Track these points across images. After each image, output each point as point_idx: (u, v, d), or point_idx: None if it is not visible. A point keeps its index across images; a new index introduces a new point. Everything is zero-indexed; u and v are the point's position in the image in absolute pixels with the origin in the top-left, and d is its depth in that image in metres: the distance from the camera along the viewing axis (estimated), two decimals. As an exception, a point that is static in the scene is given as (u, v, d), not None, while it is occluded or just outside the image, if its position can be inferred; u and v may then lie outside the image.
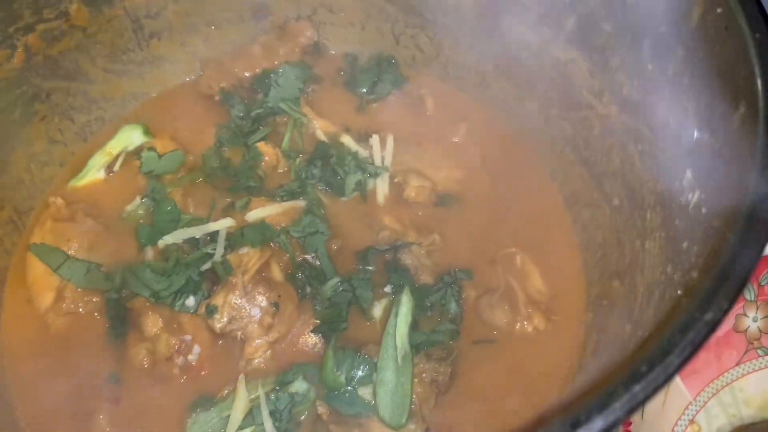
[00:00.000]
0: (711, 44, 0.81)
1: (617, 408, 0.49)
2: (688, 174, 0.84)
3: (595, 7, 1.06)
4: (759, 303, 1.18)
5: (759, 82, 0.70)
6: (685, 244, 0.78)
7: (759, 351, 1.17)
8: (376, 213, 1.25)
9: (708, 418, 1.12)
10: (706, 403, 1.13)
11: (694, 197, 0.80)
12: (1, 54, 1.13)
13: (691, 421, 1.10)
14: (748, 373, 1.16)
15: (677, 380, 1.12)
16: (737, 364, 1.17)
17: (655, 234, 0.94)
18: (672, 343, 0.52)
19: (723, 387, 1.15)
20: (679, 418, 1.09)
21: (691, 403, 1.08)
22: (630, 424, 1.04)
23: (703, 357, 1.15)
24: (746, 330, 1.18)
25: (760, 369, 1.17)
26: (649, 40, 0.96)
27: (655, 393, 0.50)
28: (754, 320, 1.18)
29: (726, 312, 0.54)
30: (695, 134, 0.84)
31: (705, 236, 0.71)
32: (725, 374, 1.15)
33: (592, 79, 1.12)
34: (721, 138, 0.76)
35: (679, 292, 0.66)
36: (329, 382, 1.05)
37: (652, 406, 1.10)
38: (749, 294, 1.18)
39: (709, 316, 0.53)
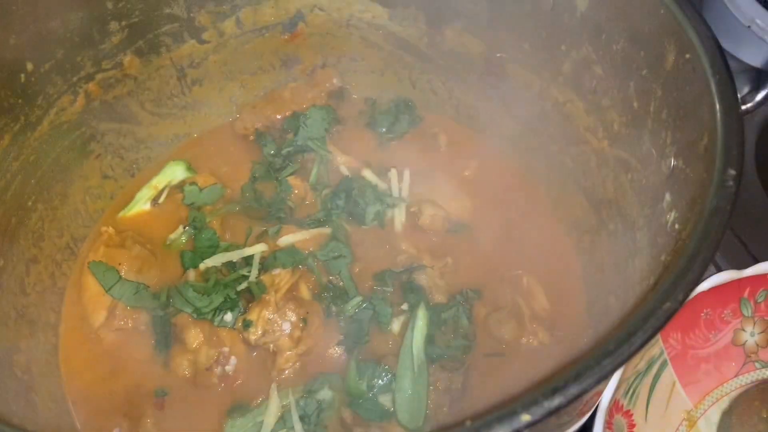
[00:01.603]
0: (682, 84, 0.94)
1: (589, 377, 0.60)
2: (667, 197, 0.95)
3: (587, 54, 1.18)
4: (756, 319, 1.26)
5: (718, 116, 0.83)
6: (663, 257, 0.89)
7: (756, 364, 1.25)
8: (393, 239, 1.36)
9: (708, 424, 1.20)
10: (706, 410, 1.21)
11: (671, 217, 0.92)
12: (65, 99, 1.28)
13: (693, 426, 1.17)
14: (747, 384, 1.24)
15: (679, 388, 1.20)
16: (736, 376, 1.25)
17: (643, 252, 1.05)
18: (636, 327, 0.64)
19: (722, 396, 1.23)
20: (681, 423, 1.17)
21: (692, 409, 1.16)
22: (634, 426, 1.13)
23: (703, 368, 1.23)
24: (744, 344, 1.26)
25: (758, 381, 1.25)
26: (634, 81, 1.08)
27: (620, 366, 0.62)
28: (752, 335, 1.26)
29: (681, 302, 0.65)
30: (672, 162, 0.96)
31: (676, 248, 0.82)
32: (724, 385, 1.23)
33: (587, 117, 1.24)
34: (690, 164, 0.88)
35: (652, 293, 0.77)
36: (352, 390, 1.16)
37: (655, 411, 1.18)
38: (746, 310, 1.26)
39: (666, 306, 0.65)
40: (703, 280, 1.20)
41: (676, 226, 0.87)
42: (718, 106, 0.84)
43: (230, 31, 1.44)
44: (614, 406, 1.08)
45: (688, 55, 0.92)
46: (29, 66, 1.19)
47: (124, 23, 1.31)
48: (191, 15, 1.39)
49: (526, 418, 0.58)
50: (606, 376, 0.61)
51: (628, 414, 1.11)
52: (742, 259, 1.44)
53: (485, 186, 1.45)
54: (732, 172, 0.74)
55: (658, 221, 0.99)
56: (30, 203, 1.25)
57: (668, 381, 1.16)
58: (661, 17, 0.98)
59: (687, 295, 0.65)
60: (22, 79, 1.18)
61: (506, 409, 0.59)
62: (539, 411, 0.59)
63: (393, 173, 1.43)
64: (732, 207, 0.72)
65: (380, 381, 1.16)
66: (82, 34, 1.26)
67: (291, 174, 1.43)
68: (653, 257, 0.99)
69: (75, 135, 1.33)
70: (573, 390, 0.60)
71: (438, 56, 1.48)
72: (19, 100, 1.19)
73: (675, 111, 0.97)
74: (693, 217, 0.78)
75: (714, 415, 1.17)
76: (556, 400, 0.59)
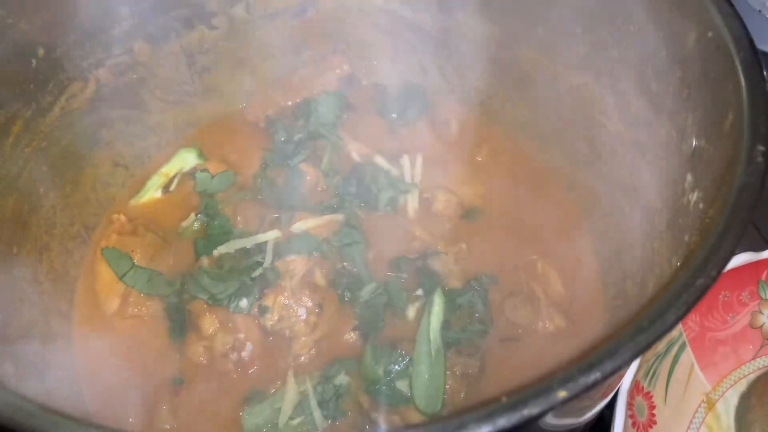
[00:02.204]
0: (704, 63, 0.93)
1: (624, 353, 0.60)
2: (689, 177, 0.95)
3: (603, 36, 1.18)
4: None
5: (744, 93, 0.82)
6: (686, 237, 0.88)
7: None
8: (407, 225, 1.36)
9: (726, 406, 1.19)
10: (724, 393, 1.20)
11: (694, 196, 0.91)
12: (76, 86, 1.27)
13: (711, 408, 1.17)
14: (764, 366, 1.24)
15: (697, 370, 1.20)
16: (753, 359, 1.24)
17: (662, 234, 1.04)
18: (669, 303, 0.63)
19: (740, 379, 1.22)
20: (699, 405, 1.17)
21: (710, 392, 1.16)
22: (654, 407, 1.12)
23: (720, 350, 1.22)
24: (762, 326, 1.25)
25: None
26: (652, 63, 1.07)
27: (655, 342, 0.61)
28: None
29: (714, 278, 0.64)
30: (694, 142, 0.95)
31: (702, 226, 0.81)
32: (742, 367, 1.23)
33: (603, 101, 1.23)
34: (714, 143, 0.88)
35: (679, 273, 0.77)
36: (368, 375, 1.15)
37: (675, 393, 1.18)
38: (764, 293, 1.25)
39: (700, 282, 0.64)
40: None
41: (701, 205, 0.86)
42: (744, 84, 0.83)
43: (240, 16, 1.43)
44: (635, 387, 1.08)
45: (710, 34, 0.91)
46: (41, 51, 1.17)
47: (134, 8, 1.30)
48: (201, 0, 1.37)
49: (562, 394, 0.57)
50: (641, 352, 0.60)
51: (648, 396, 1.10)
52: (757, 244, 1.44)
53: (498, 171, 1.44)
54: (761, 148, 0.73)
55: (679, 202, 0.98)
56: (42, 190, 1.24)
57: (687, 363, 1.16)
58: (681, -4, 0.97)
59: (720, 271, 0.65)
60: (34, 65, 1.17)
61: (542, 385, 0.59)
62: (575, 387, 0.58)
63: (405, 159, 1.43)
64: (762, 182, 0.71)
65: (397, 366, 1.15)
66: (93, 20, 1.25)
67: (303, 161, 1.42)
68: (674, 238, 0.98)
69: (86, 122, 1.32)
70: (609, 366, 0.59)
71: (450, 41, 1.47)
72: (31, 86, 1.18)
73: (696, 91, 0.96)
74: (720, 195, 0.77)
75: (732, 397, 1.16)
76: (593, 376, 0.59)
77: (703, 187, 0.88)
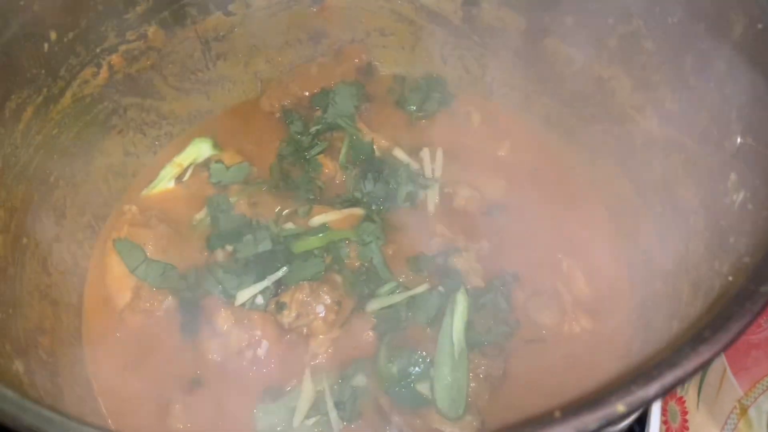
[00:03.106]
0: (752, 56, 0.88)
1: (686, 365, 0.56)
2: (733, 176, 0.90)
3: (637, 27, 1.13)
4: None
5: (800, 88, 0.78)
6: (732, 239, 0.84)
7: None
8: (427, 221, 1.32)
9: (759, 413, 1.15)
10: (757, 398, 1.15)
11: (739, 197, 0.87)
12: (88, 72, 1.23)
13: (744, 415, 1.13)
14: None
15: (730, 375, 1.16)
16: None
17: (699, 236, 1.00)
18: (731, 312, 0.59)
19: None
20: (732, 411, 1.13)
21: (742, 397, 1.12)
22: (687, 413, 1.08)
23: (753, 354, 1.18)
24: None
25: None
26: (691, 56, 1.03)
27: (720, 353, 0.57)
28: None
29: (780, 285, 0.60)
30: (738, 139, 0.91)
31: (754, 228, 0.77)
32: None
33: (634, 95, 1.19)
34: (763, 140, 0.83)
35: (730, 278, 0.72)
36: (383, 374, 1.11)
37: (707, 398, 1.14)
38: None
39: (764, 288, 0.60)
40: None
41: (749, 206, 0.82)
42: (798, 78, 0.78)
43: (258, 3, 1.39)
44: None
45: (760, 25, 0.87)
46: (53, 35, 1.13)
47: (149, -8, 1.26)
48: (218, -15, 1.33)
49: (621, 409, 0.53)
50: (705, 364, 0.56)
51: (681, 401, 1.07)
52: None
53: (521, 166, 1.40)
54: (823, 146, 0.69)
55: (720, 202, 0.94)
56: (52, 179, 1.20)
57: (719, 367, 1.12)
58: (726, -14, 0.93)
59: (785, 278, 0.61)
60: (46, 49, 1.13)
61: (598, 398, 0.54)
62: (634, 401, 0.54)
63: (425, 152, 1.38)
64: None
65: (417, 368, 1.11)
66: (106, 3, 1.20)
67: (320, 153, 1.38)
68: (716, 240, 0.94)
69: (97, 109, 1.28)
70: (669, 379, 0.55)
71: (472, 31, 1.43)
72: (42, 71, 1.13)
73: (742, 85, 0.91)
74: (775, 195, 0.73)
75: (765, 403, 1.12)
76: (653, 390, 0.55)
77: (751, 186, 0.84)
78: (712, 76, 0.98)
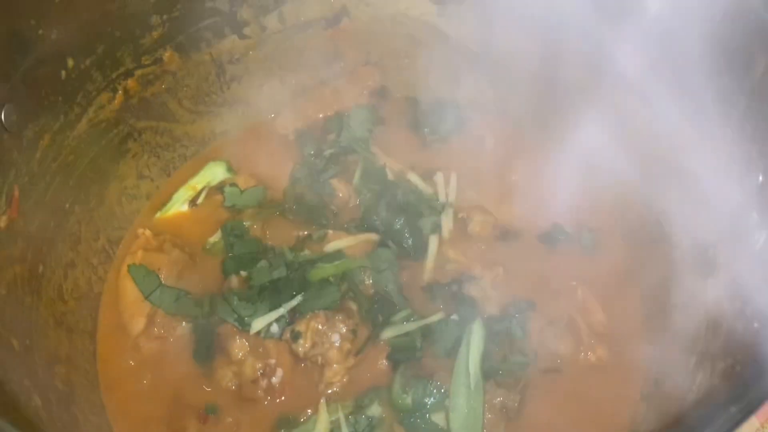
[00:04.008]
0: (773, 96, 0.88)
1: (720, 426, 0.55)
2: (755, 215, 0.90)
3: (657, 57, 1.13)
4: None
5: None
6: (755, 278, 0.84)
7: None
8: (441, 247, 1.31)
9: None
10: None
11: (762, 237, 0.86)
12: (104, 97, 1.23)
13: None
14: None
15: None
16: None
17: (720, 271, 0.99)
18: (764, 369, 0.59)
19: None
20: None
21: (759, 428, 1.11)
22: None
23: None
24: None
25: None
26: (712, 90, 1.02)
27: (757, 410, 0.57)
28: None
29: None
30: (760, 178, 0.90)
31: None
32: None
33: (652, 125, 1.19)
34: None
35: (755, 324, 0.72)
36: (397, 404, 1.11)
37: None
38: None
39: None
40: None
41: None
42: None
43: (272, 26, 1.39)
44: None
45: (783, 66, 0.86)
46: (70, 62, 1.14)
47: (165, 17, 1.26)
48: (233, 9, 1.34)
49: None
50: (738, 424, 0.56)
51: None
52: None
53: (535, 191, 1.39)
54: None
55: (742, 241, 0.94)
56: (67, 205, 1.20)
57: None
58: (749, 23, 0.92)
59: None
60: (63, 76, 1.14)
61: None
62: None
63: (439, 176, 1.38)
64: None
65: (432, 398, 1.11)
66: (123, 29, 1.21)
67: (333, 176, 1.38)
68: (735, 277, 0.93)
69: (112, 133, 1.29)
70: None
71: (487, 55, 1.43)
72: (60, 98, 1.14)
73: (764, 123, 0.91)
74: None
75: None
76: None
77: (772, 227, 0.84)
78: (733, 111, 0.98)
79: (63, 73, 1.13)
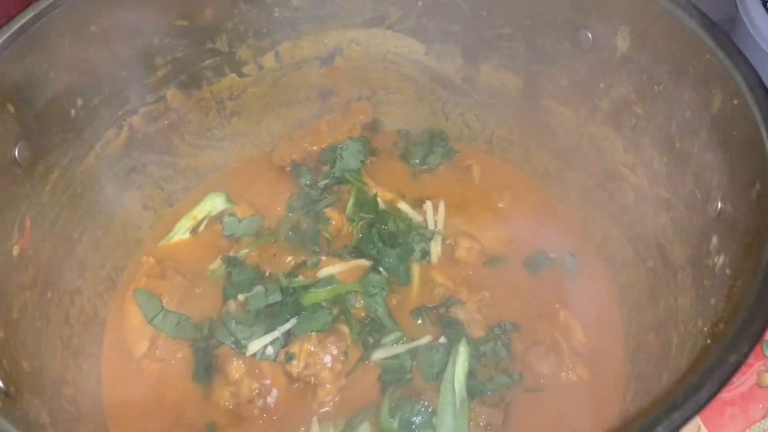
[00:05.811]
0: (729, 129, 0.95)
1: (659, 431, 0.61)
2: (714, 240, 0.96)
3: (627, 93, 1.20)
4: None
5: (772, 167, 0.84)
6: (713, 301, 0.90)
7: None
8: (430, 272, 1.38)
9: (738, 468, 1.18)
10: None
11: (719, 260, 0.92)
12: (111, 133, 1.31)
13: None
14: None
15: (704, 432, 1.20)
16: (763, 418, 1.23)
17: (687, 292, 1.05)
18: (703, 380, 0.65)
19: None
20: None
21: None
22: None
23: (728, 411, 1.22)
24: None
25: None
26: (676, 122, 1.10)
27: (690, 419, 0.63)
28: None
29: (746, 355, 0.66)
30: (719, 205, 0.97)
31: (729, 294, 0.83)
32: (752, 427, 1.22)
33: (625, 155, 1.26)
34: (741, 210, 0.89)
35: (708, 341, 0.78)
36: (384, 428, 1.16)
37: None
38: None
39: (732, 358, 0.66)
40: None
41: (727, 271, 0.88)
42: (769, 154, 0.85)
43: (269, 65, 1.47)
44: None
45: (736, 101, 0.93)
46: (79, 101, 1.22)
47: (168, 58, 1.34)
48: (233, 50, 1.42)
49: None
50: (675, 430, 0.62)
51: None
52: None
53: (520, 218, 1.46)
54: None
55: (704, 263, 1.00)
56: (75, 235, 1.27)
57: (693, 427, 1.16)
58: (706, 62, 1.00)
59: (752, 347, 0.66)
60: (72, 115, 1.21)
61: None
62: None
63: (428, 205, 1.45)
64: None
65: (419, 417, 1.16)
66: (129, 70, 1.29)
67: (328, 206, 1.45)
68: (699, 299, 1.00)
69: (118, 167, 1.36)
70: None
71: (473, 90, 1.50)
72: (69, 135, 1.21)
73: (721, 154, 0.98)
74: (748, 267, 0.79)
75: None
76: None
77: (730, 252, 0.90)
78: (694, 143, 1.05)
79: (72, 111, 1.21)
